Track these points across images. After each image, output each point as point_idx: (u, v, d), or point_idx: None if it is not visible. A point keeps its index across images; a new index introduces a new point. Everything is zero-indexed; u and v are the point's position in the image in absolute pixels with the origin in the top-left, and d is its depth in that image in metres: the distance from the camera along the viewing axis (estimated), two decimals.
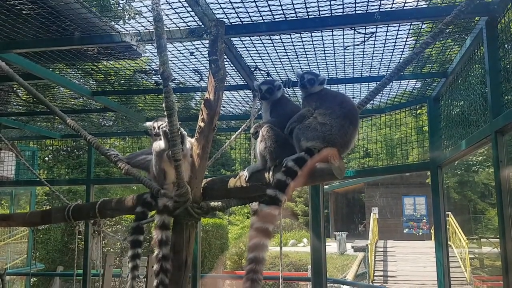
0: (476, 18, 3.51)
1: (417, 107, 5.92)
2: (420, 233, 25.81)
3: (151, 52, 4.32)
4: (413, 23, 3.70)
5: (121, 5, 3.74)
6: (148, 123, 3.31)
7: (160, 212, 2.74)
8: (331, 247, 24.07)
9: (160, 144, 2.76)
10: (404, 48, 4.18)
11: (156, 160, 2.81)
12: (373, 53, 4.21)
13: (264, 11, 3.38)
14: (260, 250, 2.30)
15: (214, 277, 13.35)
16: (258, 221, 2.38)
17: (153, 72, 4.67)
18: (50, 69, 4.77)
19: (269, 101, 2.80)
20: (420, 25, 3.84)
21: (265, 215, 2.38)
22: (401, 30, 3.76)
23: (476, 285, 15.54)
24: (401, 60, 3.79)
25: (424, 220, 26.73)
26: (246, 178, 2.75)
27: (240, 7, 3.32)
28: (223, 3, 3.29)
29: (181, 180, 2.62)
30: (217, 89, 2.84)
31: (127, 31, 3.68)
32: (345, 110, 2.51)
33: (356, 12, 3.36)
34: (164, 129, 2.61)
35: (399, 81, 5.19)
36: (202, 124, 2.84)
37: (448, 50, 4.28)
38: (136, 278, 3.02)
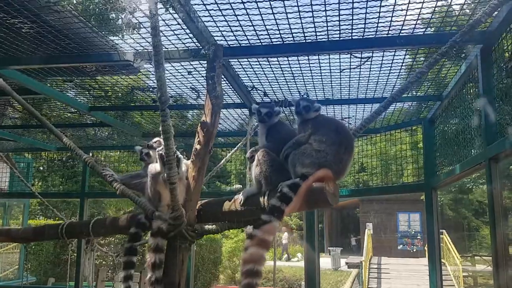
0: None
1: (410, 129, 5.98)
2: (414, 250, 25.75)
3: (149, 71, 4.35)
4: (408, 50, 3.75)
5: (119, 20, 3.76)
6: (137, 148, 3.33)
7: (154, 234, 2.73)
8: (325, 262, 23.95)
9: (156, 166, 2.77)
10: (399, 72, 4.23)
11: (151, 183, 2.81)
12: (369, 76, 4.26)
13: (262, 34, 3.42)
14: (254, 277, 2.30)
15: None
16: (252, 247, 2.38)
17: (151, 89, 4.69)
18: (47, 84, 4.78)
19: (266, 125, 2.82)
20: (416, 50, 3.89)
21: (259, 240, 2.38)
22: (396, 55, 3.80)
23: None
24: (396, 89, 3.82)
25: (418, 237, 26.67)
26: (241, 202, 2.75)
27: (238, 30, 3.35)
28: (222, 26, 3.33)
29: (176, 203, 2.62)
30: (214, 112, 2.85)
31: (125, 50, 3.71)
32: (341, 137, 2.52)
33: (353, 37, 3.40)
34: (160, 152, 2.61)
35: (395, 103, 5.24)
36: (198, 147, 2.85)
37: (443, 75, 4.33)
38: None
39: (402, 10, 3.07)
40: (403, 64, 4.08)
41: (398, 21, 3.23)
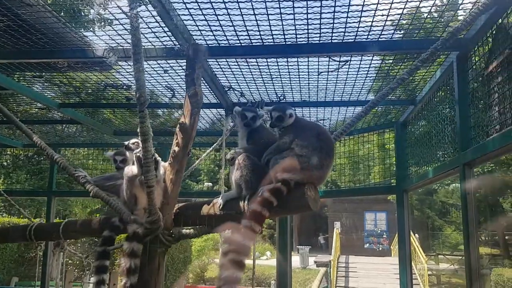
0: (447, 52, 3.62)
1: (382, 132, 6.06)
2: (380, 249, 26.27)
3: (123, 68, 4.23)
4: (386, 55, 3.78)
5: (92, 13, 3.63)
6: (108, 154, 3.23)
7: (129, 239, 2.65)
8: (294, 260, 24.07)
9: (132, 169, 2.68)
10: (376, 75, 4.27)
11: (128, 185, 2.72)
12: (346, 79, 4.27)
13: (241, 34, 3.37)
14: (234, 283, 2.25)
15: None
16: (231, 253, 2.34)
17: (125, 87, 4.57)
18: (15, 79, 4.59)
19: (248, 128, 2.77)
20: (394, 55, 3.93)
21: (238, 245, 2.34)
22: (374, 60, 3.83)
23: None
24: (376, 95, 3.84)
25: (384, 236, 27.24)
26: (220, 206, 2.70)
27: (218, 30, 3.30)
28: (201, 26, 3.26)
29: (153, 206, 2.55)
30: (193, 114, 2.78)
31: (99, 46, 3.59)
32: (322, 143, 2.51)
33: (332, 41, 3.40)
34: (138, 154, 2.54)
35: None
36: (176, 149, 2.78)
37: (417, 80, 4.39)
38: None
39: (382, 15, 3.08)
40: (380, 69, 4.12)
41: (377, 26, 3.25)
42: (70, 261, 12.64)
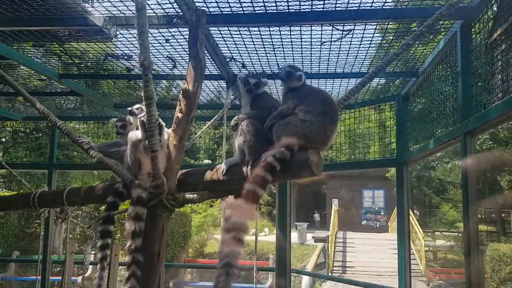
0: (451, 21, 3.59)
1: (384, 104, 6.05)
2: (378, 225, 26.57)
3: (125, 37, 4.19)
4: (390, 23, 3.76)
5: None
6: (112, 120, 3.24)
7: (134, 203, 2.68)
8: (292, 237, 24.33)
9: (136, 133, 2.70)
10: (379, 46, 4.25)
11: (132, 150, 2.74)
12: (348, 50, 4.25)
13: (244, 1, 3.34)
14: (238, 244, 2.29)
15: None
16: (234, 216, 2.37)
17: (125, 57, 4.53)
18: (14, 48, 4.55)
19: (251, 94, 2.78)
20: (398, 23, 3.90)
21: (242, 210, 2.37)
22: (378, 29, 3.81)
23: (429, 277, 16.16)
24: (381, 60, 3.82)
25: (381, 213, 27.52)
26: (224, 172, 2.72)
27: None
28: None
29: (157, 171, 2.58)
30: (196, 80, 2.79)
31: (100, 13, 3.55)
32: (326, 108, 2.52)
33: (336, 8, 3.37)
34: (142, 119, 2.54)
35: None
36: (179, 115, 2.79)
37: (420, 51, 4.37)
38: (105, 269, 2.96)
39: None
40: (381, 44, 4.10)
41: None
42: (71, 236, 12.79)
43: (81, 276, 11.13)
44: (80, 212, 14.14)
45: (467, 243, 3.27)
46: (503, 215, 24.60)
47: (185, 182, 2.86)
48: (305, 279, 15.14)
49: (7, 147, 15.66)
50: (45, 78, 5.58)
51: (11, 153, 15.66)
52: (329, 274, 16.30)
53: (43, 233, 5.19)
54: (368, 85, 5.65)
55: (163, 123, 2.66)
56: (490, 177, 22.38)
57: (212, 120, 5.02)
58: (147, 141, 2.49)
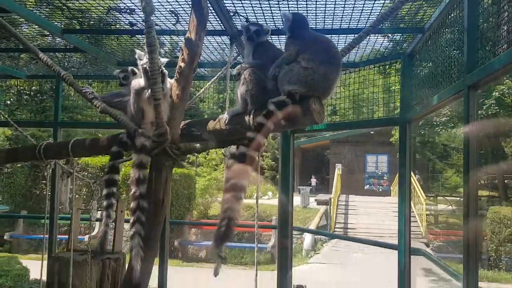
0: None
1: (389, 64, 5.99)
2: (380, 190, 26.83)
3: None
4: None
5: None
6: (116, 71, 3.24)
7: (138, 151, 2.72)
8: (295, 200, 24.62)
9: (139, 81, 2.71)
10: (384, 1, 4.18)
11: (135, 99, 2.76)
12: (354, 3, 4.19)
13: None
14: (239, 190, 2.34)
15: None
16: (237, 163, 2.42)
17: (128, 11, 4.48)
18: (16, 2, 4.50)
19: (253, 43, 2.76)
20: None
21: (240, 172, 2.42)
22: None
23: (430, 239, 16.44)
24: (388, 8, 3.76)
25: (384, 178, 27.72)
26: (226, 121, 2.75)
27: None
28: None
29: (160, 119, 2.60)
30: (199, 28, 2.77)
31: None
32: (329, 56, 2.51)
33: None
34: (145, 66, 2.55)
35: (376, 36, 5.20)
36: (182, 65, 2.79)
37: (426, 6, 4.30)
38: (110, 217, 3.03)
39: None
40: None
41: None
42: (77, 196, 13.02)
43: (88, 235, 11.39)
44: (86, 173, 14.33)
45: (466, 205, 3.30)
46: (506, 181, 24.72)
47: (188, 132, 2.89)
48: (307, 240, 15.46)
49: (12, 110, 15.70)
50: (48, 34, 5.55)
51: (16, 115, 15.73)
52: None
53: (49, 188, 5.29)
54: (374, 43, 5.61)
55: (165, 71, 2.66)
56: (494, 142, 22.35)
57: (214, 78, 5.00)
58: (149, 89, 2.50)
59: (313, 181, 31.71)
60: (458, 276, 3.76)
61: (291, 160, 7.03)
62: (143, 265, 2.60)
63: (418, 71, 5.16)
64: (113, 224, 6.57)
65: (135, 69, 3.04)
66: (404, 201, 5.27)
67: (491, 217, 13.44)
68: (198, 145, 2.93)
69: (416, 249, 5.55)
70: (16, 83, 8.58)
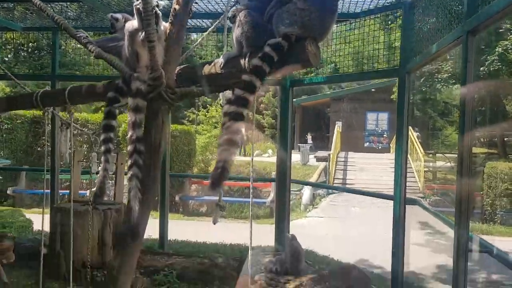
0: None
1: (390, 14, 5.89)
2: (380, 147, 26.96)
3: None
4: None
5: None
6: (108, 15, 3.18)
7: (133, 95, 2.72)
8: (295, 158, 24.86)
9: (133, 23, 2.67)
10: None
11: (129, 41, 2.74)
12: None
13: None
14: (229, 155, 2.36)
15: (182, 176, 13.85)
16: (232, 106, 2.43)
17: None
18: None
19: None
20: None
21: (239, 99, 2.42)
22: None
23: (427, 193, 16.69)
24: None
25: (384, 135, 27.81)
26: (221, 65, 2.73)
27: None
28: None
29: (155, 62, 2.58)
30: None
31: None
32: None
33: None
34: (138, 6, 2.51)
35: None
36: (177, 7, 2.73)
37: None
38: (109, 161, 3.07)
39: None
40: None
41: None
42: (78, 148, 13.13)
43: (89, 190, 11.58)
44: (86, 129, 14.39)
45: (459, 161, 3.32)
46: (506, 138, 24.77)
47: (183, 76, 2.89)
48: (306, 195, 15.70)
49: (10, 66, 15.59)
50: None
51: (14, 71, 15.66)
52: (330, 190, 16.85)
53: (49, 140, 5.34)
54: None
55: (159, 13, 2.62)
56: (496, 100, 22.24)
57: (211, 28, 4.92)
58: (143, 31, 2.48)
59: (309, 138, 31.62)
60: (451, 223, 3.85)
61: (290, 114, 7.06)
62: (141, 206, 2.66)
63: (419, 21, 5.08)
64: (114, 176, 6.68)
65: (121, 15, 2.99)
66: (400, 150, 5.31)
67: (488, 172, 13.57)
68: (193, 88, 2.92)
69: (411, 199, 5.66)
70: (12, 36, 8.48)
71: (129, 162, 2.67)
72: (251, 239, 2.16)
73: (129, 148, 2.69)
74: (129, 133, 2.69)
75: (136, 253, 2.88)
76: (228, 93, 2.99)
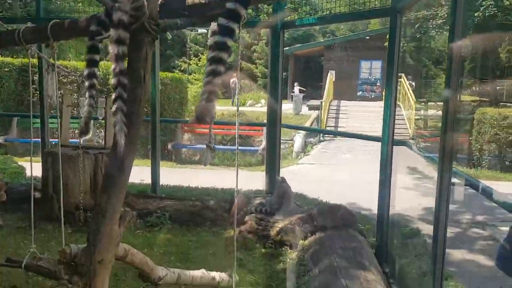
0: None
1: None
2: (373, 96, 26.96)
3: None
4: None
5: None
6: None
7: (115, 26, 2.65)
8: (288, 107, 24.89)
9: None
10: None
11: None
12: None
13: None
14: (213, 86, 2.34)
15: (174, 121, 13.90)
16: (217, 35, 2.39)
17: None
18: None
19: None
20: None
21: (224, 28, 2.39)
22: None
23: (417, 140, 16.89)
24: None
25: (377, 84, 27.73)
26: None
27: None
28: None
29: None
30: None
31: None
32: None
33: None
34: None
35: None
36: None
37: None
38: (94, 97, 3.05)
39: None
40: None
41: None
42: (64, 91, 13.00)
43: (81, 138, 11.57)
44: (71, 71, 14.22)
45: (445, 101, 3.32)
46: (498, 87, 24.78)
47: (166, 7, 2.81)
48: (297, 143, 15.83)
49: None
50: None
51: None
52: (321, 137, 16.99)
53: (36, 82, 5.26)
54: None
55: None
56: (489, 47, 22.07)
57: None
58: None
59: (297, 89, 31.02)
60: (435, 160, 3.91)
61: (281, 59, 6.98)
62: (127, 140, 2.66)
63: None
64: (104, 119, 6.67)
65: None
66: (390, 89, 5.27)
67: (478, 118, 13.68)
68: (177, 20, 2.86)
69: (399, 140, 5.71)
70: None
71: (113, 96, 2.65)
72: (237, 183, 2.19)
73: (113, 81, 2.65)
74: (112, 66, 2.64)
75: (124, 187, 2.92)
76: (214, 25, 2.93)
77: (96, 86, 3.06)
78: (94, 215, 2.87)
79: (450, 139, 3.46)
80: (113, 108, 2.68)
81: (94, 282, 2.75)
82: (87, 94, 3.06)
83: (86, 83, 3.03)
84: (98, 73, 3.12)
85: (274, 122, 7.16)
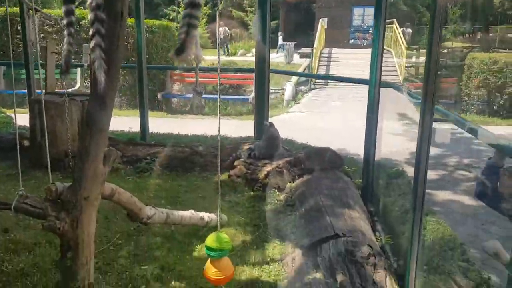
0: None
1: None
2: (365, 44, 26.61)
3: None
4: None
5: None
6: None
7: None
8: (279, 56, 24.57)
9: None
10: None
11: None
12: None
13: None
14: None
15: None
16: None
17: None
18: None
19: None
20: None
21: None
22: None
23: (408, 86, 16.87)
24: None
25: (370, 31, 27.29)
26: None
27: None
28: None
29: None
30: None
31: None
32: None
33: None
34: None
35: None
36: None
37: None
38: (72, 35, 2.98)
39: None
40: None
41: None
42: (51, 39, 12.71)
43: (70, 89, 11.43)
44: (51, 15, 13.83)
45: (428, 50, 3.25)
46: (491, 34, 24.55)
47: None
48: (288, 92, 15.77)
49: None
50: None
51: None
52: (312, 85, 16.91)
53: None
54: None
55: None
56: None
57: None
58: None
59: (281, 38, 29.92)
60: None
61: (268, 17, 6.85)
62: (107, 77, 2.64)
63: None
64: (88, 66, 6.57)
65: None
66: (378, 30, 5.18)
67: (469, 63, 13.63)
68: None
69: (387, 83, 5.69)
70: None
71: (90, 32, 2.60)
72: (219, 130, 2.19)
73: (90, 16, 2.59)
74: (89, 0, 2.58)
75: (106, 125, 2.93)
76: None
77: (74, 24, 2.98)
78: (78, 154, 2.89)
79: (433, 79, 3.45)
80: (91, 44, 2.64)
81: (81, 218, 2.81)
82: (65, 32, 2.99)
83: (65, 21, 2.95)
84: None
85: (262, 68, 7.10)
